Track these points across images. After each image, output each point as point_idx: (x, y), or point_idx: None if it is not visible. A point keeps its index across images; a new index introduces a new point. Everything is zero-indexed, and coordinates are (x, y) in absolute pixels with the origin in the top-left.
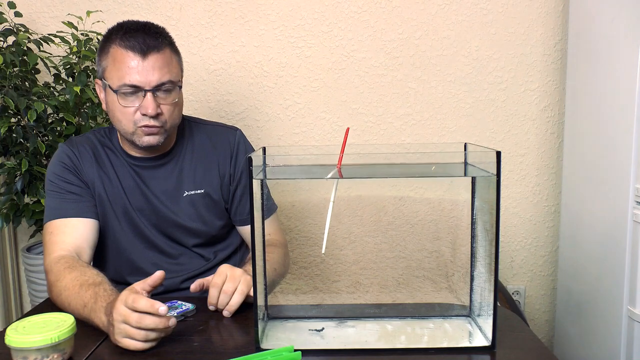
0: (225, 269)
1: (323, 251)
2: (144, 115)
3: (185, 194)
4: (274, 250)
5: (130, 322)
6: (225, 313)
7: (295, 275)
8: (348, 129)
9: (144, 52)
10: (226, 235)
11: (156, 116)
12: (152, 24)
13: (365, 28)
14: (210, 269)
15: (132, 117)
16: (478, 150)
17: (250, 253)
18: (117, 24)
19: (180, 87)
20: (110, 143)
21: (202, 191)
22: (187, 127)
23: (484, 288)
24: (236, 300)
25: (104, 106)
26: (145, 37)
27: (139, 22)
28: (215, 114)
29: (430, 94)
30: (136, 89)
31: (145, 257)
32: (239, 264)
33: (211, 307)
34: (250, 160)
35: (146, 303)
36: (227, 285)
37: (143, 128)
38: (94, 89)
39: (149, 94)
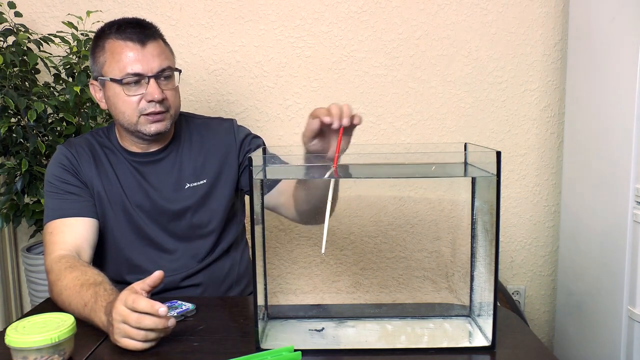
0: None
1: (322, 251)
2: (149, 102)
3: (187, 186)
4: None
5: (129, 322)
6: (356, 120)
7: (295, 275)
8: (342, 128)
9: (142, 41)
10: (226, 228)
11: (161, 101)
12: (143, 19)
13: (365, 28)
14: (209, 265)
15: (137, 106)
16: (478, 150)
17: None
18: (107, 23)
19: (180, 72)
20: (109, 142)
21: (204, 181)
22: (183, 121)
23: (484, 288)
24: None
25: (102, 105)
26: (140, 28)
27: (129, 18)
28: (215, 114)
29: (430, 94)
30: (139, 77)
31: (145, 255)
32: (239, 261)
33: (345, 121)
34: (250, 160)
35: (146, 304)
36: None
37: (149, 116)
38: None
39: (152, 80)
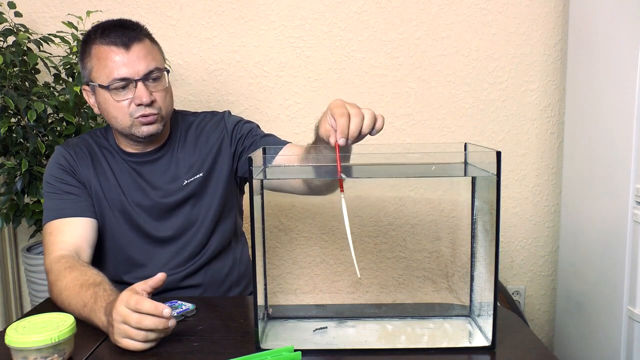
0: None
1: (359, 275)
2: (138, 105)
3: (185, 182)
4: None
5: (129, 323)
6: (374, 133)
7: (295, 275)
8: (338, 145)
9: (126, 45)
10: (223, 220)
11: (151, 104)
12: (127, 19)
13: (365, 28)
14: (209, 264)
15: (127, 110)
16: (478, 150)
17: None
18: (93, 26)
19: (168, 72)
20: (107, 143)
21: (201, 175)
22: (179, 119)
23: (484, 288)
24: (378, 123)
25: (96, 110)
26: (124, 30)
27: (114, 19)
28: None
29: (430, 94)
30: (127, 82)
31: (146, 252)
32: (239, 261)
33: (342, 141)
34: (250, 160)
35: (150, 305)
36: (353, 111)
37: (140, 119)
38: None
39: (139, 84)
